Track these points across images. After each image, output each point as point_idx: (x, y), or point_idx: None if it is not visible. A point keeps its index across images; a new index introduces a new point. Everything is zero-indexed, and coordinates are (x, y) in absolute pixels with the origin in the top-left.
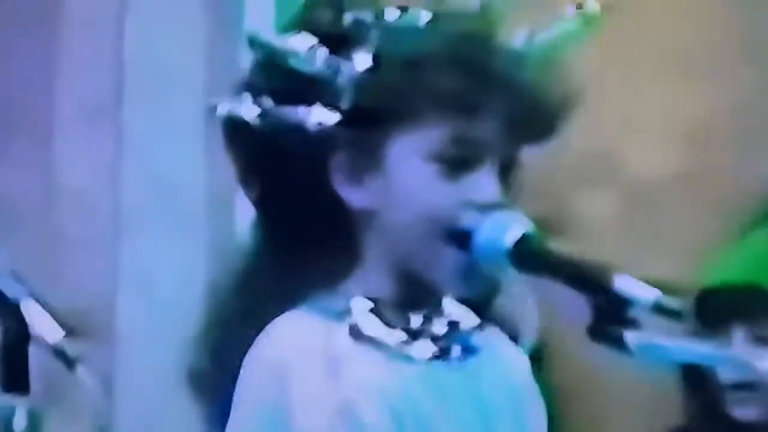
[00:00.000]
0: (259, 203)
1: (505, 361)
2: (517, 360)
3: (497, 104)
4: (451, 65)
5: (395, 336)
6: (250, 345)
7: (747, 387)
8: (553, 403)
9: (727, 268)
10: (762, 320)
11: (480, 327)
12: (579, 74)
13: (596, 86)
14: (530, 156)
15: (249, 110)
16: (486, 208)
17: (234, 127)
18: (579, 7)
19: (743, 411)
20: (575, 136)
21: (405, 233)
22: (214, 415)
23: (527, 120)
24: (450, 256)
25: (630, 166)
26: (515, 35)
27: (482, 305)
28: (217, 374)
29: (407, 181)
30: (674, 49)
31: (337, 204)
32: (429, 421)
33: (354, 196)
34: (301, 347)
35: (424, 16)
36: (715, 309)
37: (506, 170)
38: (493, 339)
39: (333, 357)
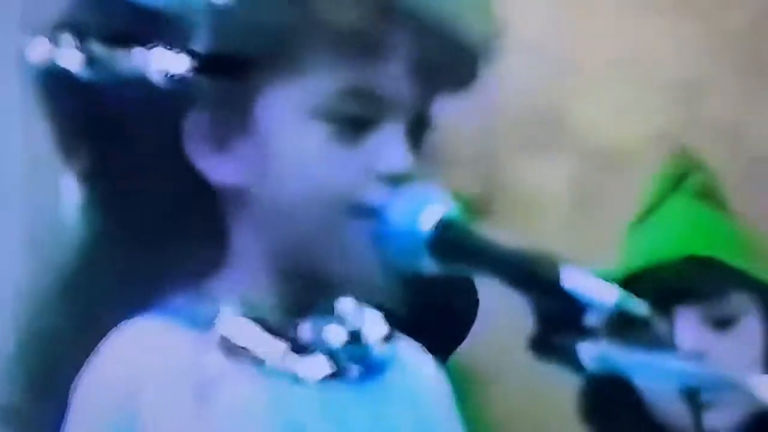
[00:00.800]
0: (90, 179)
1: (417, 381)
2: (435, 381)
3: (402, 42)
4: None
5: (278, 349)
6: (82, 366)
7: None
8: None
9: (651, 240)
10: (715, 298)
11: (388, 337)
12: (508, 4)
13: (538, 19)
14: (450, 113)
15: (71, 57)
16: (394, 179)
17: (51, 80)
18: None
19: (713, 418)
20: (509, 87)
21: (288, 215)
22: None
23: (440, 62)
24: (348, 244)
25: (582, 127)
26: None
27: (392, 308)
28: (39, 409)
29: (288, 146)
30: None
31: (194, 178)
32: None
33: (217, 167)
34: (156, 364)
35: None
36: (653, 291)
37: (418, 130)
38: (404, 352)
39: (199, 377)
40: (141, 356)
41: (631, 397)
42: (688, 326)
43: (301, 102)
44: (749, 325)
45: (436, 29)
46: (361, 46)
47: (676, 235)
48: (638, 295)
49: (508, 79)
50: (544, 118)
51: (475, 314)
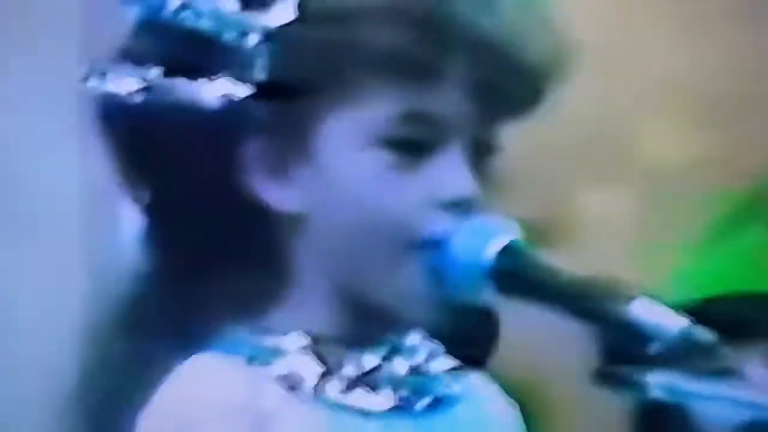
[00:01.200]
0: (149, 209)
1: (487, 415)
2: (505, 414)
3: (461, 66)
4: (396, 18)
5: (341, 383)
6: (143, 402)
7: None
8: None
9: (721, 269)
10: None
11: (457, 370)
12: (578, 23)
13: (603, 43)
14: (514, 139)
15: (128, 85)
16: (457, 207)
17: (109, 109)
18: None
19: None
20: (575, 113)
21: (347, 245)
22: None
23: (501, 86)
24: (411, 273)
25: (650, 153)
26: None
27: (461, 341)
28: None
29: (347, 173)
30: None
31: (253, 207)
32: None
33: (276, 195)
34: (216, 401)
35: None
36: (718, 325)
37: (481, 155)
38: (476, 387)
39: (259, 413)
40: (201, 393)
41: (686, 426)
42: (756, 365)
43: (358, 129)
44: None
45: (495, 49)
46: (416, 70)
47: (750, 266)
48: (708, 324)
49: (573, 102)
50: (608, 143)
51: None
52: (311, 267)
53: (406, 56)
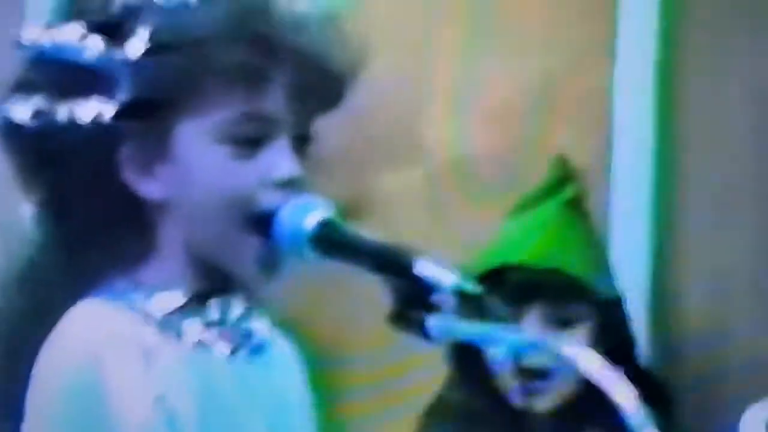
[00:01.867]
0: (44, 203)
1: (287, 360)
2: (292, 356)
3: (283, 74)
4: (231, 39)
5: (197, 329)
6: (41, 344)
7: (539, 374)
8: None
9: (519, 240)
10: (561, 303)
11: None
12: (369, 36)
13: (393, 50)
14: (326, 129)
15: (21, 111)
16: (286, 184)
17: (8, 131)
18: None
19: (529, 400)
20: (376, 109)
21: (202, 221)
22: None
23: (314, 87)
24: (251, 243)
25: (434, 143)
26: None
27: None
28: (8, 384)
29: (200, 166)
30: (483, 18)
31: (129, 195)
32: (230, 410)
33: (146, 187)
34: (113, 336)
35: None
36: (511, 287)
37: (302, 143)
38: (275, 338)
39: (146, 348)
40: (99, 328)
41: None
42: (534, 322)
43: (206, 130)
44: (582, 331)
45: (308, 60)
46: (249, 79)
47: (542, 242)
48: (499, 286)
49: (372, 99)
50: (402, 134)
51: None
52: (172, 237)
53: (242, 69)
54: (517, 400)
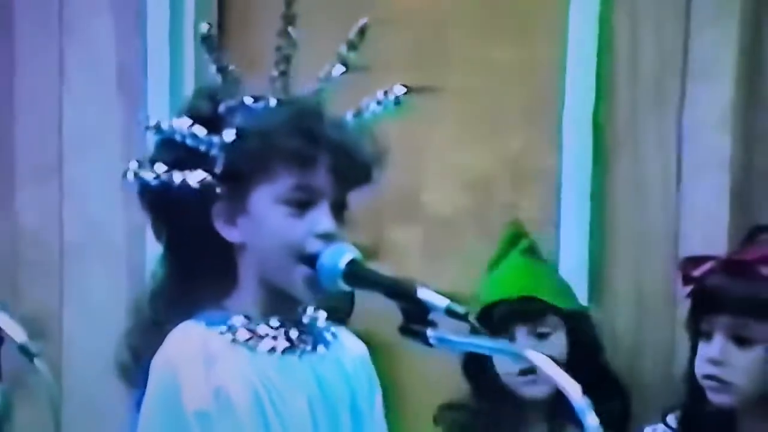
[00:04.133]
0: (165, 242)
1: (349, 351)
2: (361, 350)
3: (327, 159)
4: (293, 133)
5: (259, 337)
6: (159, 346)
7: (531, 372)
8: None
9: (498, 283)
10: (537, 321)
11: (329, 325)
12: (391, 138)
13: (405, 147)
14: (355, 197)
15: (149, 175)
16: (325, 237)
17: (142, 188)
18: (385, 93)
19: (531, 390)
20: (389, 183)
21: (268, 259)
22: (136, 400)
23: (348, 170)
24: (302, 273)
25: (430, 206)
26: (345, 114)
27: (330, 310)
28: (137, 368)
29: (267, 220)
30: (465, 119)
31: (219, 240)
32: (283, 399)
33: (230, 233)
34: (188, 348)
35: (273, 101)
36: (500, 316)
37: (338, 208)
38: (341, 335)
39: (209, 353)
40: (179, 346)
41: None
42: (521, 337)
43: (271, 195)
44: (558, 337)
45: (345, 150)
46: (303, 161)
47: (515, 280)
48: (491, 317)
49: (386, 176)
50: (408, 201)
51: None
52: (248, 272)
53: (298, 154)
54: (520, 391)
